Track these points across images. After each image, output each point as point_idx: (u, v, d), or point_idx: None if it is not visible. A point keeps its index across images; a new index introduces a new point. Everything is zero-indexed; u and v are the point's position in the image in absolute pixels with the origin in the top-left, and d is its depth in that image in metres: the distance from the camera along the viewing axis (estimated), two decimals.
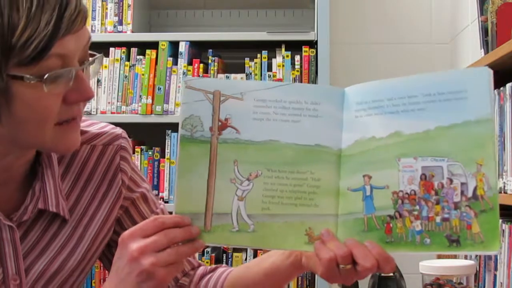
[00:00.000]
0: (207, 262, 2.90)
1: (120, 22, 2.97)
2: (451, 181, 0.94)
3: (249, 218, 1.01)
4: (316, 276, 2.85)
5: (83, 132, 1.13)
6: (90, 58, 1.01)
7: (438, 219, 0.95)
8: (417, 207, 0.96)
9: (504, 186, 1.85)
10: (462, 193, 0.94)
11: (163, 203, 1.29)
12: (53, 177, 1.09)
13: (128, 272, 0.98)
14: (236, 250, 2.95)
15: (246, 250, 2.94)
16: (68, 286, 1.14)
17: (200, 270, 1.24)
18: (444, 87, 0.96)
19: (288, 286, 2.89)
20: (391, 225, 0.98)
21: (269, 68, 2.93)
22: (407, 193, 0.97)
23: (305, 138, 1.02)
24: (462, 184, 0.94)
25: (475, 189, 0.93)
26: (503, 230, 1.91)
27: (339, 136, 1.01)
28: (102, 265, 2.77)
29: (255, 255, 2.89)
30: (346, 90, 1.03)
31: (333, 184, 1.01)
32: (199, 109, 1.02)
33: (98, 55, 1.03)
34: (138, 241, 0.98)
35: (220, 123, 1.02)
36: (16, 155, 1.04)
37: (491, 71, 0.94)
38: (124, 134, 1.20)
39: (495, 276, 1.94)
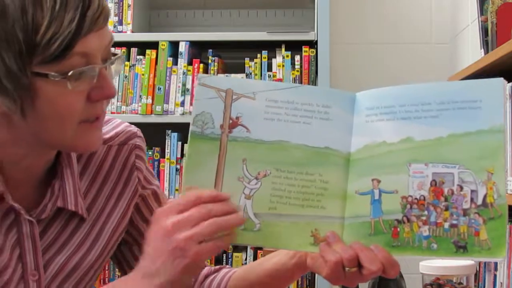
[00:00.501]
0: (207, 262, 2.90)
1: (120, 22, 2.97)
2: (461, 188, 0.95)
3: (255, 217, 1.02)
4: (316, 276, 2.85)
5: None
6: (112, 58, 1.03)
7: (446, 225, 0.95)
8: (426, 212, 0.97)
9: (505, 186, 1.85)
10: (471, 200, 0.94)
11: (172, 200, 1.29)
12: (72, 176, 1.10)
13: (161, 249, 0.95)
14: (236, 250, 2.95)
15: (246, 250, 2.94)
16: (84, 283, 1.15)
17: (205, 270, 1.25)
18: (458, 96, 0.97)
19: (288, 286, 2.89)
20: (398, 229, 0.98)
21: (269, 68, 2.93)
22: (416, 198, 0.97)
23: (315, 140, 1.02)
24: (472, 191, 0.94)
25: (485, 196, 0.94)
26: None
27: (349, 140, 1.02)
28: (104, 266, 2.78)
29: (255, 256, 2.89)
30: (357, 95, 1.04)
31: (340, 187, 1.02)
32: (211, 107, 1.03)
33: (119, 54, 1.04)
34: (173, 217, 0.95)
35: (230, 121, 1.03)
36: (37, 155, 1.05)
37: (505, 82, 0.95)
38: (139, 133, 1.22)
39: (495, 276, 1.94)
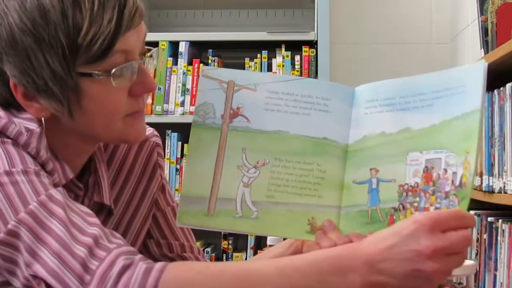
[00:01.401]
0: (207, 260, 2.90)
1: None
2: (446, 171, 0.96)
3: (253, 205, 1.03)
4: None
5: None
6: (149, 52, 1.06)
7: (431, 209, 0.96)
8: (417, 198, 0.98)
9: (504, 186, 1.85)
10: (452, 182, 0.95)
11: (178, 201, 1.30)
12: (106, 172, 1.14)
13: (404, 259, 0.87)
14: (236, 250, 2.95)
15: (246, 250, 2.94)
16: None
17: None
18: (450, 82, 0.98)
19: None
20: (394, 217, 0.99)
21: (269, 68, 2.93)
22: (411, 186, 0.99)
23: (313, 131, 1.04)
24: (453, 173, 0.95)
25: (461, 177, 0.94)
26: (503, 230, 1.91)
27: (347, 132, 1.04)
28: None
29: (255, 255, 2.89)
30: (356, 89, 1.06)
31: (338, 177, 1.03)
32: (213, 97, 1.05)
33: (154, 48, 1.08)
34: (436, 236, 0.87)
35: (231, 111, 1.05)
36: (88, 151, 1.09)
37: (485, 64, 0.95)
38: (156, 132, 1.27)
39: (495, 276, 1.94)
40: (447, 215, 0.89)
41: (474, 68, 0.96)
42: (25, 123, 1.00)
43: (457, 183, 0.94)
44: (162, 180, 1.23)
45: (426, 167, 0.97)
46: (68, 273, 0.87)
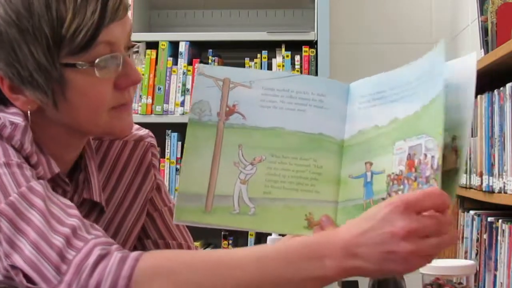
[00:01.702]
0: None
1: None
2: (425, 156, 0.95)
3: (250, 201, 1.03)
4: None
5: None
6: (134, 47, 1.08)
7: None
8: (402, 186, 0.97)
9: (504, 186, 1.85)
10: (431, 166, 0.94)
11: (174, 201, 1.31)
12: (96, 169, 1.14)
13: (378, 242, 0.87)
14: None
15: None
16: None
17: None
18: (432, 67, 0.99)
19: None
20: None
21: (269, 68, 2.93)
22: (396, 174, 0.98)
23: (309, 127, 1.05)
24: (432, 157, 0.94)
25: (437, 160, 0.93)
26: (503, 230, 1.91)
27: (342, 128, 1.05)
28: None
29: None
30: (351, 85, 1.06)
31: (334, 172, 1.04)
32: (209, 95, 1.06)
33: (140, 43, 1.09)
34: (410, 218, 0.87)
35: (227, 109, 1.05)
36: (76, 146, 1.10)
37: (445, 43, 0.97)
38: (151, 134, 1.27)
39: (495, 276, 1.94)
40: (420, 196, 0.89)
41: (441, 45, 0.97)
42: (10, 117, 1.01)
43: (435, 166, 0.93)
44: (156, 180, 1.23)
45: (409, 154, 0.97)
46: (45, 263, 0.88)
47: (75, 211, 0.94)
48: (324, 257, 0.88)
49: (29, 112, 1.02)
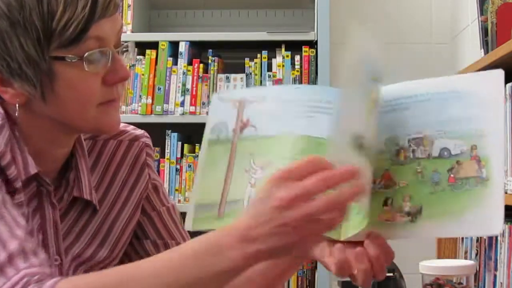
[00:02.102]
0: None
1: None
2: None
3: None
4: (316, 276, 2.85)
5: None
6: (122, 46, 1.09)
7: None
8: None
9: (504, 186, 1.85)
10: None
11: (173, 202, 1.31)
12: (87, 168, 1.15)
13: (267, 219, 0.87)
14: None
15: None
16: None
17: None
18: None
19: (288, 286, 2.90)
20: None
21: (269, 68, 2.93)
22: None
23: (317, 131, 1.06)
24: None
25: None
26: (503, 230, 1.91)
27: None
28: None
29: None
30: None
31: None
32: (226, 116, 1.09)
33: (129, 42, 1.11)
34: (291, 186, 0.86)
35: (241, 124, 1.09)
36: (60, 143, 1.10)
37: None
38: (147, 134, 1.27)
39: (495, 276, 1.94)
40: (299, 163, 0.88)
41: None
42: None
43: None
44: (151, 180, 1.24)
45: None
46: None
47: (21, 232, 0.96)
48: (226, 249, 0.88)
49: (17, 105, 1.04)
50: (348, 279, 0.99)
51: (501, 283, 1.89)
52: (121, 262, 1.26)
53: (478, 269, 2.05)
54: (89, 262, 1.15)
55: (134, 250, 1.23)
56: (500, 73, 1.00)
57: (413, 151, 1.01)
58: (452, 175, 0.99)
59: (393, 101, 1.05)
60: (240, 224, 0.89)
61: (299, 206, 0.85)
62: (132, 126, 1.26)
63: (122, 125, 1.23)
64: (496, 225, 0.95)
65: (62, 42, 0.99)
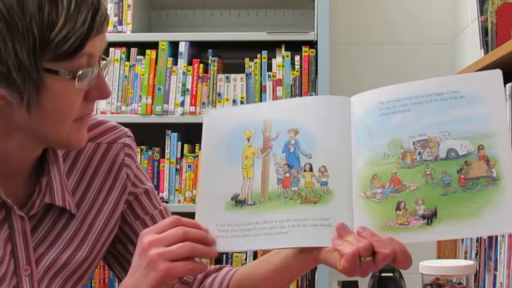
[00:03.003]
0: (206, 262, 2.90)
1: (120, 22, 2.97)
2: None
3: None
4: (316, 276, 2.85)
5: (88, 130, 1.16)
6: (105, 61, 1.09)
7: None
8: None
9: None
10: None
11: (165, 204, 1.30)
12: (59, 173, 1.14)
13: (138, 264, 1.04)
14: None
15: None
16: (74, 279, 1.16)
17: None
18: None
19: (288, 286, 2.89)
20: None
21: (269, 68, 2.93)
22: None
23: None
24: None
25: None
26: None
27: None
28: (104, 266, 2.77)
29: (255, 255, 2.89)
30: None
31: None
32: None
33: (108, 58, 1.12)
34: (151, 235, 1.04)
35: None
36: (28, 150, 1.09)
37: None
38: (129, 133, 1.26)
39: (495, 276, 1.94)
40: (164, 221, 1.06)
41: None
42: None
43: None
44: (128, 179, 1.23)
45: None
46: None
47: None
48: None
49: None
50: (348, 278, 1.00)
51: (501, 283, 1.89)
52: (118, 262, 1.26)
53: (478, 269, 2.05)
54: (65, 268, 1.15)
55: (130, 254, 1.23)
56: (498, 73, 1.02)
57: (420, 153, 1.03)
58: (462, 176, 1.00)
59: (392, 103, 1.06)
60: (125, 279, 1.07)
61: (159, 247, 1.02)
62: (115, 124, 1.25)
63: (106, 125, 1.23)
64: None
65: (57, 55, 0.98)
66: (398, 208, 1.02)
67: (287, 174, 1.08)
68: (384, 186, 1.03)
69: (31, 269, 1.10)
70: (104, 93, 1.07)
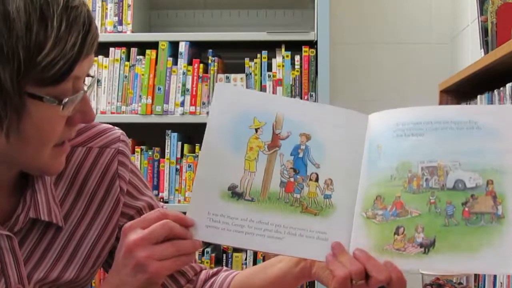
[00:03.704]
0: (207, 263, 2.90)
1: (120, 22, 2.96)
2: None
3: None
4: None
5: (78, 134, 1.11)
6: (86, 81, 1.01)
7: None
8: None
9: None
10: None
11: (166, 207, 1.28)
12: (44, 185, 1.07)
13: (123, 264, 0.99)
14: (236, 250, 2.94)
15: (246, 250, 2.93)
16: None
17: (203, 274, 1.23)
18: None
19: None
20: None
21: (269, 68, 2.93)
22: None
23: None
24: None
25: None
26: None
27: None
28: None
29: (255, 256, 2.89)
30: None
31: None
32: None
33: (95, 76, 1.04)
34: (136, 232, 0.98)
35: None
36: (4, 171, 1.03)
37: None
38: (123, 137, 1.17)
39: (495, 276, 1.94)
40: (149, 215, 1.01)
41: None
42: None
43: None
44: (120, 194, 1.14)
45: None
46: None
47: None
48: None
49: None
50: None
51: (501, 283, 1.89)
52: None
53: None
54: (57, 285, 1.09)
55: None
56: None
57: (427, 180, 1.01)
58: (466, 209, 0.99)
59: (408, 125, 1.04)
60: (108, 276, 1.02)
61: (146, 246, 0.97)
62: (109, 127, 1.17)
63: (97, 128, 1.15)
64: (511, 264, 0.95)
65: (42, 79, 0.90)
66: (397, 232, 1.00)
67: (292, 179, 1.05)
68: (386, 208, 1.01)
69: (23, 287, 1.05)
70: (88, 118, 0.99)
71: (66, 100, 0.93)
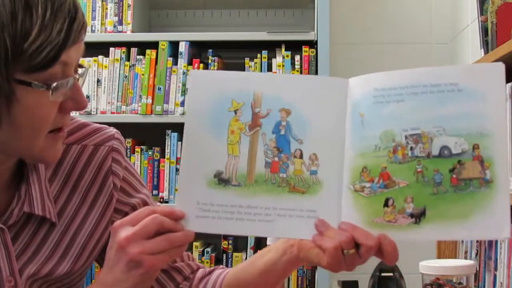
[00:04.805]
0: (207, 262, 2.90)
1: (120, 22, 2.97)
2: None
3: None
4: (316, 275, 2.85)
5: (73, 132, 1.13)
6: (82, 69, 1.03)
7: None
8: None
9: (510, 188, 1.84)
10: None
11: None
12: (39, 180, 1.08)
13: (116, 261, 0.99)
14: (236, 250, 2.95)
15: (246, 250, 2.93)
16: None
17: (199, 273, 1.24)
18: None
19: (288, 286, 2.89)
20: None
21: (269, 68, 2.93)
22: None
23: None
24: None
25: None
26: None
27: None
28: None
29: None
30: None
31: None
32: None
33: (87, 66, 1.06)
34: (127, 229, 0.99)
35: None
36: (5, 156, 1.04)
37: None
38: (118, 135, 1.19)
39: (495, 276, 1.94)
40: (137, 212, 1.01)
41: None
42: None
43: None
44: (113, 190, 1.16)
45: None
46: None
47: None
48: None
49: None
50: (348, 278, 0.99)
51: (501, 283, 1.89)
52: None
53: (478, 269, 2.05)
54: (48, 279, 1.10)
55: None
56: (500, 67, 0.96)
57: (411, 148, 0.99)
58: (454, 176, 0.96)
59: (387, 91, 1.00)
60: (101, 274, 1.01)
61: (139, 242, 0.98)
62: (104, 126, 1.19)
63: (91, 127, 1.17)
64: (503, 229, 0.93)
65: (30, 66, 0.92)
66: (386, 204, 0.98)
67: (276, 159, 1.03)
68: (373, 180, 0.99)
69: (15, 280, 1.06)
70: (80, 104, 1.01)
71: (54, 84, 0.95)
